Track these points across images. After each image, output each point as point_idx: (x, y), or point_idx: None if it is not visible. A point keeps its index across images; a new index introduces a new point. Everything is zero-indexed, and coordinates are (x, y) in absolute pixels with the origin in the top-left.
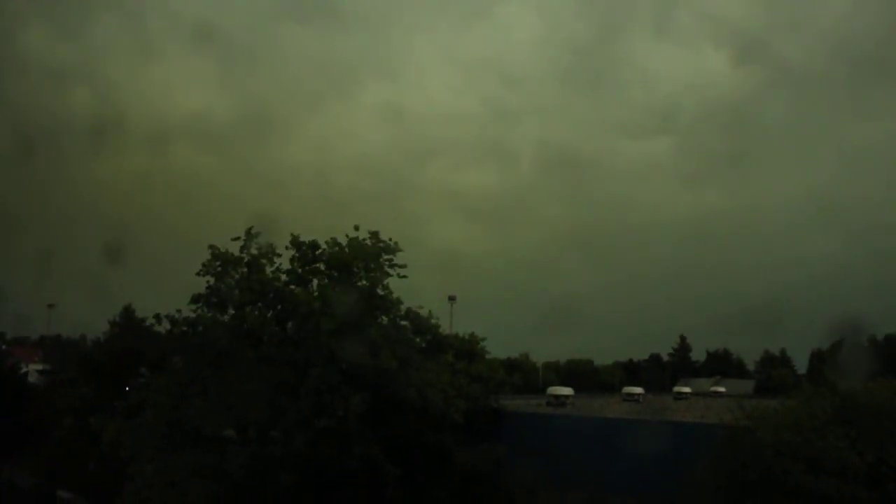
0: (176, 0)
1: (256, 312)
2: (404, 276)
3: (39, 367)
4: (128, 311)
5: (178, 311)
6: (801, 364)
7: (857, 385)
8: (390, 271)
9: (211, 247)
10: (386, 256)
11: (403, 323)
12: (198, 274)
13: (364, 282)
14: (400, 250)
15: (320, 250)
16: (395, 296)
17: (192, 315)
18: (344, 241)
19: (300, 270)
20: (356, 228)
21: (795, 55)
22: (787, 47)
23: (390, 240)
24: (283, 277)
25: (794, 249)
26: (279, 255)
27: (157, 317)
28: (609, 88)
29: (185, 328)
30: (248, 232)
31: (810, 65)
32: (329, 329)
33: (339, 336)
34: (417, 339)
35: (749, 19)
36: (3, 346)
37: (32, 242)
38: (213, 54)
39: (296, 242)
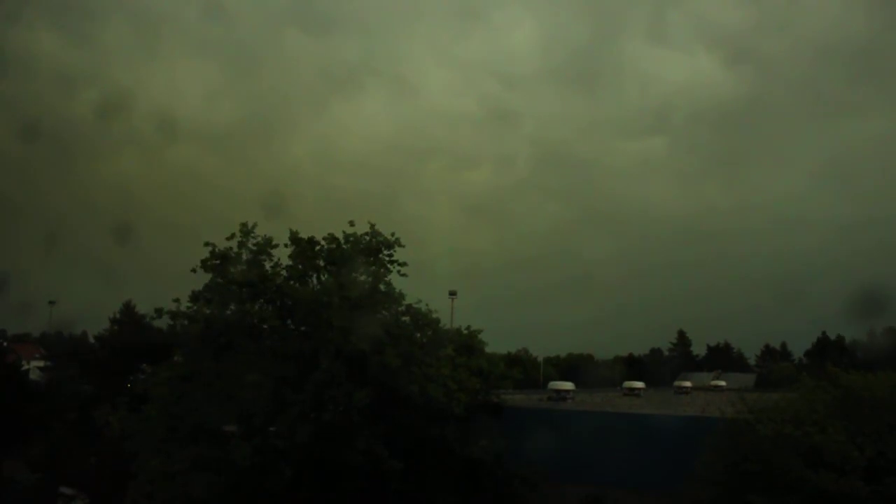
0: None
1: (257, 307)
2: (404, 275)
3: (41, 364)
4: (128, 307)
5: (177, 300)
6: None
7: (857, 378)
8: (391, 267)
9: (207, 244)
10: (386, 252)
11: (405, 318)
12: (192, 271)
13: (365, 277)
14: (401, 245)
15: (319, 247)
16: (397, 291)
17: (193, 310)
18: (341, 237)
19: (300, 266)
20: (351, 224)
21: (784, 56)
22: (777, 49)
23: (392, 235)
24: (283, 273)
25: (787, 243)
26: (275, 247)
27: (159, 311)
28: (605, 90)
29: (185, 321)
30: (244, 227)
31: (798, 65)
32: (337, 324)
33: (344, 330)
34: (418, 335)
35: (740, 22)
36: (5, 343)
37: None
38: (219, 58)
39: (294, 238)
